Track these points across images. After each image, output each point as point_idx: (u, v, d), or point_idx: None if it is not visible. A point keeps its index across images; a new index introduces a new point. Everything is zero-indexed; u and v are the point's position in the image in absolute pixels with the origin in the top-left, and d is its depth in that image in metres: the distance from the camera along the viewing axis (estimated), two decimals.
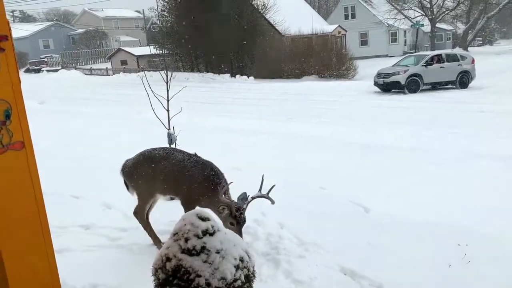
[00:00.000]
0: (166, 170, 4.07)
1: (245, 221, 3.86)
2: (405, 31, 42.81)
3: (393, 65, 19.30)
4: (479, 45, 49.13)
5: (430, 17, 40.80)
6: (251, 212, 4.97)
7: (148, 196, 4.16)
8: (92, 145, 8.55)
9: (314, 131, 10.07)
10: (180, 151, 4.24)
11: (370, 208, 5.25)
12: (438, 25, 42.88)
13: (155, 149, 4.23)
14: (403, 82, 17.23)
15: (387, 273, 3.61)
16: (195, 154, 4.21)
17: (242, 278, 1.32)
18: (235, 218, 3.81)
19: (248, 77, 26.57)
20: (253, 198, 3.98)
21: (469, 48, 40.89)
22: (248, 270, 1.36)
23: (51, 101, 17.07)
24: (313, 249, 4.13)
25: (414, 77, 17.32)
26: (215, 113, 13.50)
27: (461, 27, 46.69)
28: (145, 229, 4.21)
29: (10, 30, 1.08)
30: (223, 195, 3.89)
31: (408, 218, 4.83)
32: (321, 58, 25.95)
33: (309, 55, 26.46)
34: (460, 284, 3.48)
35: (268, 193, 4.02)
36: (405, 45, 43.10)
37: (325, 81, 23.69)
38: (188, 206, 4.02)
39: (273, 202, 3.99)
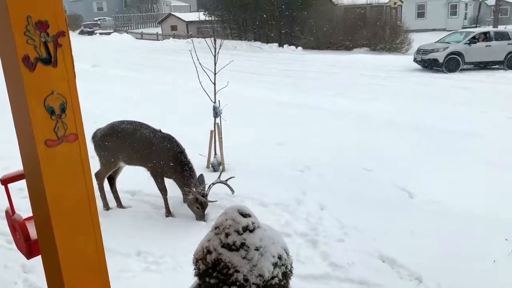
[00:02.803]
0: (133, 144, 4.43)
1: (207, 204, 4.34)
2: (466, 4, 40.21)
3: (436, 41, 18.24)
4: None
5: None
6: (292, 190, 5.02)
7: (110, 165, 4.58)
8: (143, 112, 8.78)
9: (362, 108, 9.82)
10: (147, 126, 4.52)
11: (416, 193, 5.13)
12: None
13: (122, 122, 4.54)
14: (441, 60, 16.25)
15: (428, 264, 3.54)
16: (160, 131, 4.50)
17: (280, 275, 1.34)
18: (201, 204, 4.30)
19: (296, 47, 26.14)
20: (213, 183, 4.40)
21: None
22: (286, 267, 1.37)
23: (104, 64, 17.59)
24: (352, 233, 4.11)
25: (454, 55, 16.28)
26: (261, 84, 13.44)
27: None
28: (100, 192, 4.62)
29: (67, 25, 1.10)
30: (190, 180, 4.35)
31: (455, 207, 4.68)
32: (374, 30, 25.03)
33: (361, 26, 25.58)
34: (503, 281, 3.37)
35: (227, 180, 4.50)
36: (465, 19, 40.56)
37: (377, 54, 22.90)
38: (156, 177, 4.52)
39: (233, 192, 4.52)
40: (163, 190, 4.56)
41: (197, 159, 5.19)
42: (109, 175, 4.70)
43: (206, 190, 4.37)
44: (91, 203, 1.29)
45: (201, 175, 4.51)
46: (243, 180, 5.40)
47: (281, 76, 15.39)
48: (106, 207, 4.66)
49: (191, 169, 4.48)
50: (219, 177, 4.60)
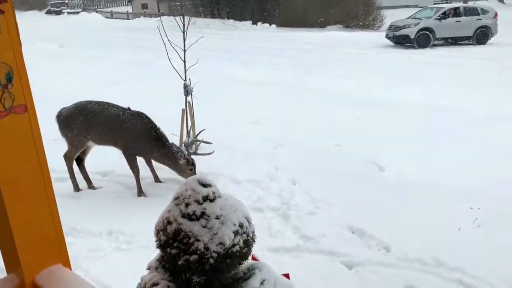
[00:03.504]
0: (102, 124, 4.35)
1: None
2: None
3: (408, 17, 18.39)
4: None
5: None
6: (264, 167, 5.05)
7: (78, 145, 4.48)
8: (113, 92, 8.59)
9: (335, 85, 9.88)
10: (114, 105, 4.44)
11: (386, 167, 5.24)
12: None
13: (90, 102, 4.44)
14: (412, 36, 16.43)
15: (396, 234, 3.65)
16: (129, 108, 4.44)
17: (241, 243, 1.34)
18: (193, 164, 4.44)
19: (270, 25, 25.92)
20: (190, 142, 4.67)
21: (505, 0, 38.62)
22: (248, 235, 1.38)
23: (72, 45, 17.06)
24: (324, 206, 4.18)
25: (425, 31, 16.47)
26: (234, 62, 13.32)
27: None
28: (69, 173, 4.55)
29: None
30: (173, 148, 4.42)
31: (423, 179, 4.81)
32: (347, 7, 24.99)
33: (335, 3, 25.48)
34: (468, 246, 3.50)
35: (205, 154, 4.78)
36: None
37: (350, 31, 22.96)
38: (128, 156, 4.47)
39: (210, 143, 4.86)
40: (135, 169, 4.51)
41: (169, 139, 5.13)
42: (78, 156, 4.61)
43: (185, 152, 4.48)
44: (44, 176, 1.25)
45: (173, 143, 4.56)
46: (216, 158, 5.39)
47: (255, 54, 15.27)
48: (76, 188, 4.58)
49: (168, 141, 4.47)
50: (196, 136, 4.74)
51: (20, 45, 1.10)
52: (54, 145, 4.79)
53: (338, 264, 3.32)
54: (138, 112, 4.48)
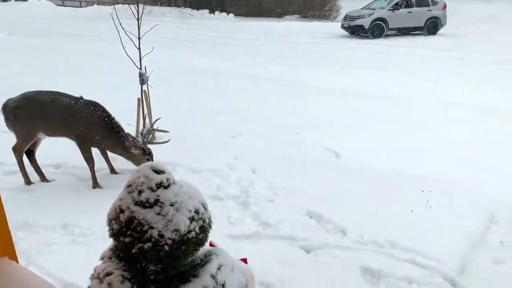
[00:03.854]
0: (53, 115, 4.18)
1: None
2: None
3: (362, 8, 18.77)
4: None
5: None
6: (224, 156, 5.04)
7: (28, 138, 4.29)
8: (65, 82, 8.28)
9: (292, 75, 9.96)
10: (66, 95, 4.30)
11: (342, 154, 5.35)
12: None
13: (39, 92, 4.26)
14: (366, 26, 16.78)
15: (352, 217, 3.75)
16: (81, 97, 4.31)
17: (197, 229, 1.33)
18: (149, 154, 4.40)
19: (228, 14, 25.70)
20: (146, 131, 4.58)
21: None
22: (204, 221, 1.37)
23: (21, 33, 16.26)
24: (282, 193, 4.23)
25: (379, 22, 16.86)
26: (192, 52, 13.15)
27: None
28: (19, 166, 4.39)
29: None
30: (129, 138, 4.36)
31: (377, 165, 4.95)
32: None
33: None
34: (420, 227, 3.64)
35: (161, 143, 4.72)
36: None
37: (307, 21, 23.13)
38: (83, 147, 4.34)
39: (167, 131, 4.78)
40: (90, 160, 4.38)
41: (125, 129, 5.01)
42: (28, 148, 4.41)
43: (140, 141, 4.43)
44: None
45: (129, 133, 4.47)
46: (174, 148, 5.32)
47: (213, 43, 15.13)
48: (27, 181, 4.39)
49: (123, 131, 4.37)
50: (152, 125, 4.71)
51: None
52: (3, 137, 4.59)
53: (297, 249, 3.37)
54: (92, 101, 4.33)
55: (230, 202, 4.03)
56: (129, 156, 4.38)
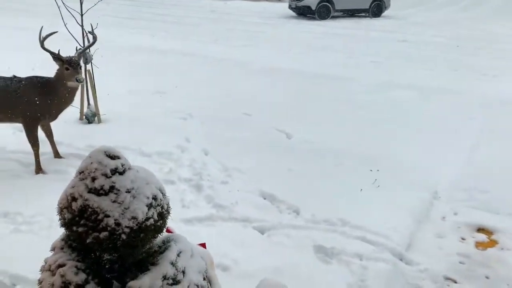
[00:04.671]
0: None
1: (78, 64, 4.06)
2: None
3: None
4: None
5: None
6: (174, 138, 4.94)
7: None
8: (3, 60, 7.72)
9: (240, 55, 9.88)
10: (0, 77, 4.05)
11: (293, 134, 5.40)
12: None
13: None
14: (313, 7, 16.98)
15: (304, 197, 3.81)
16: (15, 76, 4.09)
17: (155, 216, 1.28)
18: (69, 63, 3.98)
19: None
20: (82, 49, 4.39)
21: None
22: (162, 207, 1.32)
23: None
24: (236, 175, 4.21)
25: (325, 3, 17.08)
26: (137, 30, 12.68)
27: None
28: None
29: None
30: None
31: (327, 145, 5.04)
32: None
33: None
34: (369, 206, 3.77)
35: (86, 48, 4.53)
36: None
37: (256, 1, 22.97)
38: (31, 126, 4.11)
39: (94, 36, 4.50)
40: (35, 143, 4.12)
41: (69, 111, 4.76)
42: None
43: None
44: None
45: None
46: (121, 131, 5.15)
47: (158, 22, 14.67)
48: None
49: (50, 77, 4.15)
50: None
51: None
52: None
53: (251, 230, 3.39)
54: (28, 77, 4.08)
55: (183, 185, 3.96)
56: (65, 87, 4.08)
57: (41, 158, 4.22)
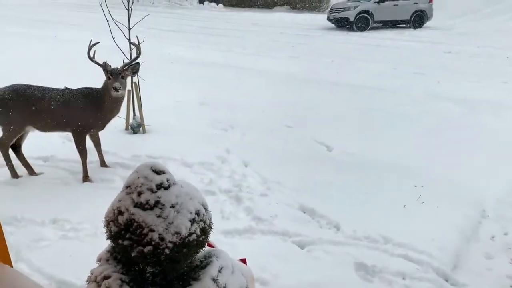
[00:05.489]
0: (45, 110, 4.09)
1: (119, 73, 4.14)
2: None
3: (348, 0, 18.73)
4: None
5: None
6: (215, 149, 5.00)
7: (15, 132, 4.18)
8: (53, 72, 8.11)
9: (282, 67, 9.91)
10: (52, 89, 4.20)
11: (333, 146, 5.34)
12: None
13: (29, 87, 4.15)
14: (352, 19, 16.74)
15: (345, 212, 3.74)
16: (66, 88, 4.24)
17: (198, 231, 1.29)
18: (110, 73, 4.11)
19: (217, 4, 25.50)
20: (126, 64, 4.34)
21: None
22: (204, 223, 1.33)
23: (3, 20, 15.90)
24: (275, 187, 4.21)
25: (364, 14, 16.80)
26: (181, 43, 13.00)
27: None
28: (5, 160, 4.27)
29: None
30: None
31: (369, 158, 4.95)
32: None
33: None
34: (413, 222, 3.65)
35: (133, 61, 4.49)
36: None
37: (297, 13, 23.06)
38: (80, 135, 4.27)
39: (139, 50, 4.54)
40: (83, 152, 4.30)
41: (115, 121, 4.94)
42: (14, 141, 4.30)
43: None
44: None
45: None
46: (165, 141, 5.27)
47: (202, 34, 14.99)
48: (15, 175, 4.30)
49: (95, 89, 4.30)
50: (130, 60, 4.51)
51: None
52: None
53: (290, 244, 3.36)
54: (79, 88, 4.27)
55: (223, 196, 3.99)
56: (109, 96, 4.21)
57: (88, 167, 4.37)
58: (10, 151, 4.28)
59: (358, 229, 3.50)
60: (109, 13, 5.03)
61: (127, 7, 5.28)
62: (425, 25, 17.43)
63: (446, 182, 4.37)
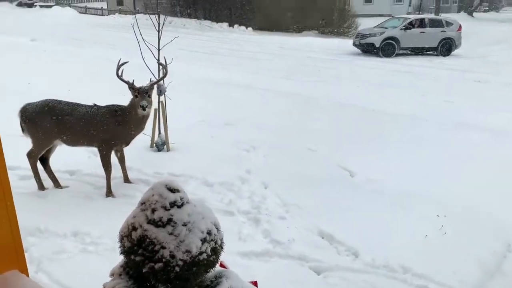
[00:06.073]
0: (73, 124, 4.25)
1: (146, 92, 4.25)
2: None
3: (375, 26, 18.74)
4: (485, 11, 47.94)
5: None
6: (237, 170, 5.03)
7: (44, 145, 4.34)
8: (83, 88, 8.38)
9: (309, 91, 9.95)
10: (81, 105, 4.37)
11: (356, 172, 5.29)
12: None
13: (60, 102, 4.32)
14: (377, 45, 16.74)
15: (364, 239, 3.68)
16: (95, 104, 4.39)
17: (208, 251, 1.31)
18: (138, 91, 4.23)
19: (246, 28, 25.95)
20: (153, 83, 4.48)
21: (474, 14, 39.97)
22: (216, 243, 1.35)
23: (44, 39, 16.57)
24: (294, 210, 4.19)
25: (390, 41, 16.79)
26: (209, 64, 13.25)
27: None
28: (33, 172, 4.40)
29: None
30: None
31: (392, 185, 4.88)
32: (323, 14, 25.28)
33: (311, 9, 25.74)
34: (434, 253, 3.57)
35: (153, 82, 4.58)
36: (410, 5, 41.90)
37: (325, 37, 23.24)
38: (106, 151, 4.40)
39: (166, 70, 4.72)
40: (108, 167, 4.41)
41: (141, 138, 5.05)
42: (42, 154, 4.45)
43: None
44: (2, 178, 1.19)
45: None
46: (188, 160, 5.34)
47: (230, 56, 15.25)
48: (41, 187, 4.43)
49: (123, 106, 4.44)
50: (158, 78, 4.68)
51: None
52: (20, 141, 4.63)
53: (307, 269, 3.32)
54: (106, 105, 4.42)
55: (241, 217, 4.00)
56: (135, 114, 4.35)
57: (112, 182, 4.47)
58: (38, 163, 4.42)
59: (377, 257, 3.44)
60: (140, 34, 5.20)
61: (158, 28, 5.45)
62: (453, 53, 17.27)
63: (471, 213, 4.26)
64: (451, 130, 7.10)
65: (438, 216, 4.16)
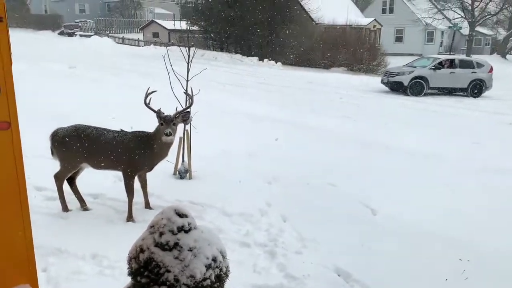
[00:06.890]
0: (102, 149, 4.40)
1: (171, 120, 4.40)
2: (442, 32, 41.62)
3: (404, 65, 18.69)
4: None
5: (470, 20, 39.41)
6: (256, 201, 5.04)
7: (71, 167, 4.50)
8: (114, 114, 8.64)
9: (335, 126, 9.96)
10: (109, 130, 4.53)
11: (378, 210, 5.21)
12: (478, 28, 41.41)
13: (89, 127, 4.49)
14: (406, 83, 16.63)
15: (382, 280, 3.60)
16: (122, 130, 4.54)
17: (213, 277, 1.33)
18: (163, 119, 4.37)
19: (276, 62, 26.37)
20: (178, 112, 4.58)
21: (507, 56, 39.55)
22: (221, 270, 1.37)
23: (81, 67, 17.31)
24: (311, 245, 4.14)
25: (419, 80, 16.67)
26: (237, 96, 13.49)
27: (502, 33, 44.95)
28: (59, 193, 4.54)
29: (5, 12, 1.09)
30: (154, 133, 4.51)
31: (414, 226, 4.77)
32: (352, 51, 25.50)
33: (340, 46, 26.03)
34: None
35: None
36: (441, 46, 41.92)
37: (354, 74, 23.32)
38: (129, 177, 4.51)
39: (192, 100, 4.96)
40: (131, 192, 4.51)
41: (164, 165, 5.15)
42: (69, 176, 4.60)
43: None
44: (21, 195, 1.25)
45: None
46: (209, 189, 5.39)
47: (258, 90, 15.48)
48: (65, 209, 4.56)
49: (149, 133, 4.59)
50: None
51: (11, 63, 1.13)
52: (48, 163, 4.80)
53: None
54: (132, 131, 4.59)
55: (258, 250, 3.98)
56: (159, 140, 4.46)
57: (133, 208, 4.55)
58: (65, 184, 4.56)
59: None
60: (171, 65, 5.40)
61: (187, 60, 5.64)
62: (484, 94, 17.02)
63: (495, 259, 4.11)
64: (479, 173, 6.88)
65: (461, 260, 4.03)
